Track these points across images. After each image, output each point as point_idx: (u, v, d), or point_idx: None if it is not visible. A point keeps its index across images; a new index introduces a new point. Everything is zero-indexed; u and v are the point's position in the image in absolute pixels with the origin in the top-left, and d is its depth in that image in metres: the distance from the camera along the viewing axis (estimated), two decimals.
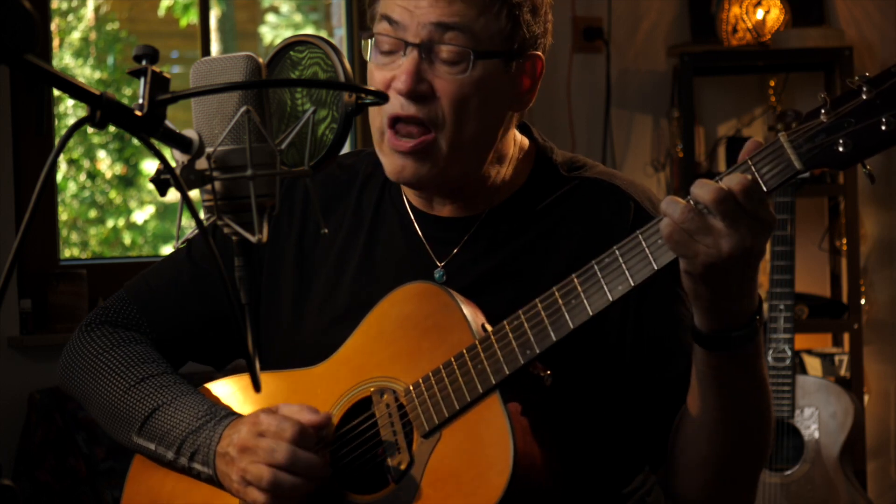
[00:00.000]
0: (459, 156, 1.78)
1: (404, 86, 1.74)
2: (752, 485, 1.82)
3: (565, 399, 1.75)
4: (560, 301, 1.67)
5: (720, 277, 1.58)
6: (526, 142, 1.91)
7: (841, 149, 1.56)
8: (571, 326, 1.66)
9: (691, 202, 1.57)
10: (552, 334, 1.67)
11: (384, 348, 1.79)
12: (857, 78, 1.56)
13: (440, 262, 1.86)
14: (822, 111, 1.57)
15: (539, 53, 1.82)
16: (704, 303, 1.62)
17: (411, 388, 1.74)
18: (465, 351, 1.71)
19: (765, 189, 1.58)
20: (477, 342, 1.71)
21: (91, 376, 1.92)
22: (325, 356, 1.83)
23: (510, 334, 1.69)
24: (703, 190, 1.56)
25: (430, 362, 1.74)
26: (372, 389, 1.78)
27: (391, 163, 1.79)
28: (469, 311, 1.74)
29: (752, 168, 1.58)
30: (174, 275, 1.97)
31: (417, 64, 1.75)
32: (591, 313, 1.65)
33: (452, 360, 1.72)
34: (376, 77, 1.79)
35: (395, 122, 1.77)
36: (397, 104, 1.76)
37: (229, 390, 1.90)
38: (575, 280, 1.66)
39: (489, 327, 1.73)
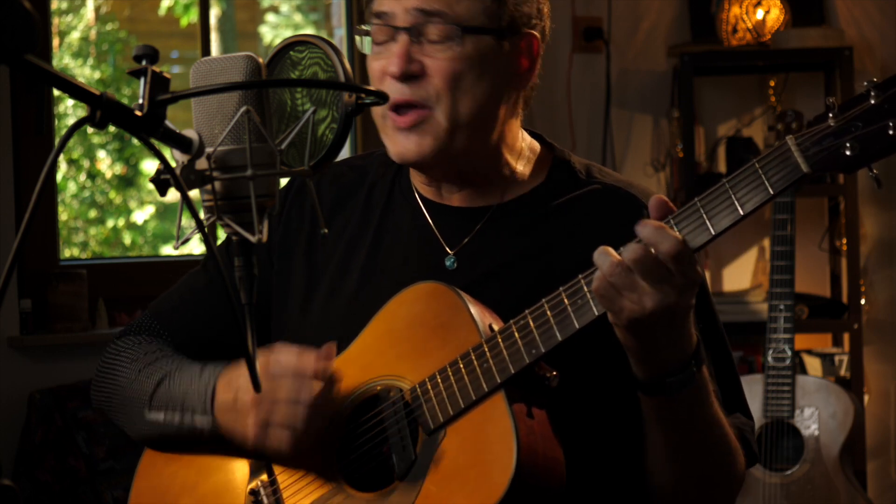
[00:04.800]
0: (459, 130, 1.80)
1: (396, 68, 1.78)
2: None
3: (572, 400, 1.76)
4: (566, 301, 1.68)
5: (646, 331, 1.61)
6: (537, 145, 1.93)
7: (848, 152, 1.56)
8: (577, 326, 1.67)
9: (622, 257, 1.59)
10: (557, 334, 1.68)
11: (392, 347, 1.80)
12: (865, 83, 1.57)
13: (451, 250, 1.87)
14: (830, 115, 1.57)
15: (534, 33, 1.84)
16: (634, 352, 1.65)
17: (417, 386, 1.75)
18: (471, 350, 1.72)
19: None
20: (483, 342, 1.72)
21: (109, 377, 1.96)
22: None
23: (516, 334, 1.70)
24: (626, 249, 1.59)
25: (437, 361, 1.74)
26: (379, 388, 1.79)
27: (394, 143, 1.82)
28: (476, 312, 1.74)
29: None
30: (190, 285, 2.01)
31: (407, 46, 1.79)
32: (596, 313, 1.66)
33: (459, 359, 1.73)
34: (374, 67, 1.83)
35: (394, 108, 1.80)
36: (395, 91, 1.78)
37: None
38: (581, 281, 1.67)
39: (496, 327, 1.73)
